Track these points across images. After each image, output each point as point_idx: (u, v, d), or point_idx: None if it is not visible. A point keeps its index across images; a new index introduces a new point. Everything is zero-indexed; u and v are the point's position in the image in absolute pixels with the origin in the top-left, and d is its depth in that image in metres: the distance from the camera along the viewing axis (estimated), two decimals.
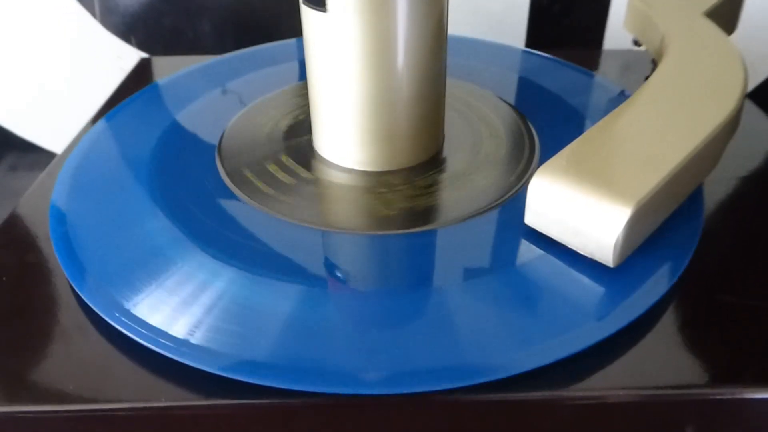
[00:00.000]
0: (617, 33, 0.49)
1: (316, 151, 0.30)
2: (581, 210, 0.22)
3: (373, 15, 0.25)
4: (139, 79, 0.41)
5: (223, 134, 0.31)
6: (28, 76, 0.53)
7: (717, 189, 0.28)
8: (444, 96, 0.29)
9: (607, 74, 0.40)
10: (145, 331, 0.21)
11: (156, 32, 0.51)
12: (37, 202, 0.29)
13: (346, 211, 0.26)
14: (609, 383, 0.20)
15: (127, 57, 0.52)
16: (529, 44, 0.50)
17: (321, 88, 0.27)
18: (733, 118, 0.25)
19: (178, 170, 0.29)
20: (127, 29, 0.51)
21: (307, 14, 0.26)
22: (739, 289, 0.23)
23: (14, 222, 0.28)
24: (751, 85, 0.50)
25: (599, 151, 0.24)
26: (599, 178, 0.23)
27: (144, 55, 0.52)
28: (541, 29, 0.49)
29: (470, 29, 0.47)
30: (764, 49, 0.48)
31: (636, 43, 0.36)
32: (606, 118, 0.26)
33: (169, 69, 0.42)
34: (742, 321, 0.22)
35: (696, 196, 0.26)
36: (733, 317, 0.22)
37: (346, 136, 0.28)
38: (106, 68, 0.52)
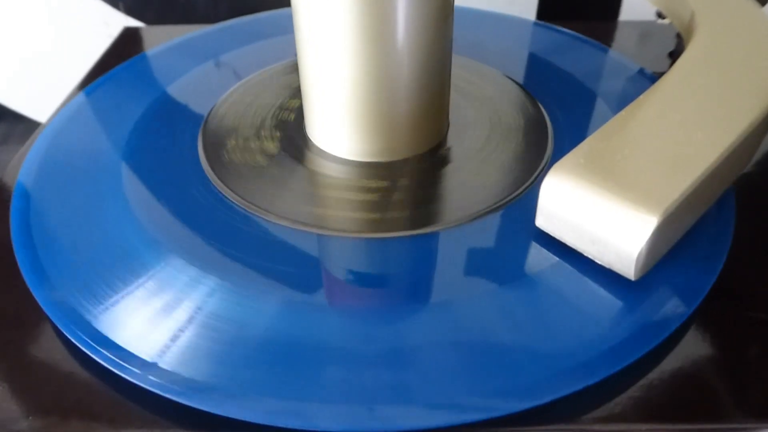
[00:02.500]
0: (635, 1, 0.46)
1: (308, 139, 0.27)
2: (600, 216, 0.20)
3: None
4: (121, 50, 0.38)
5: (207, 118, 0.29)
6: (12, 47, 0.51)
7: (748, 188, 0.25)
8: (449, 76, 0.27)
9: (625, 48, 0.37)
10: (109, 352, 0.19)
11: None
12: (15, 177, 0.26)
13: (339, 209, 0.24)
14: (626, 416, 0.18)
15: (114, 23, 0.49)
16: (540, 14, 0.47)
17: (311, 67, 0.25)
18: None
19: (157, 158, 0.26)
20: None
21: None
22: None
23: None
24: None
25: (621, 147, 0.21)
26: (622, 180, 0.20)
27: (132, 21, 0.49)
28: None
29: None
30: None
31: (660, 15, 0.33)
32: (628, 109, 0.23)
33: (153, 39, 0.40)
34: None
35: (726, 198, 0.24)
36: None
37: (339, 122, 0.25)
38: (93, 36, 0.50)
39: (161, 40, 0.38)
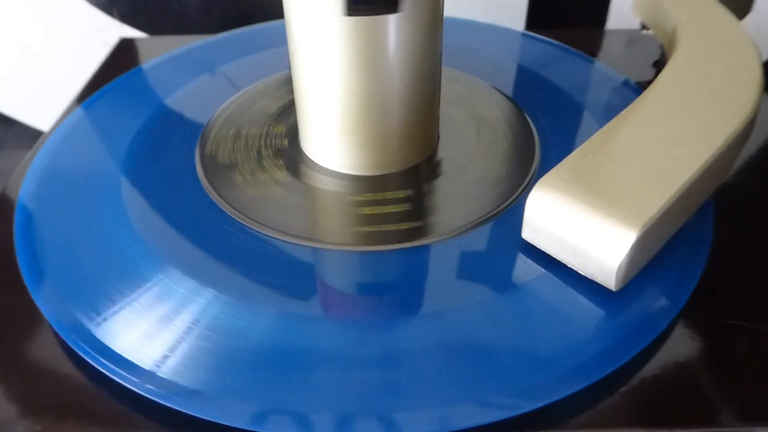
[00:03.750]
0: (623, 10, 0.47)
1: (303, 152, 0.28)
2: (583, 229, 0.21)
3: None
4: (118, 61, 0.39)
5: (203, 131, 0.29)
6: (6, 51, 0.51)
7: (726, 198, 0.26)
8: (439, 90, 0.27)
9: (611, 56, 0.38)
10: (109, 361, 0.20)
11: (139, 5, 0.48)
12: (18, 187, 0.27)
13: (333, 222, 0.24)
14: (611, 422, 0.19)
15: (109, 29, 0.50)
16: (529, 22, 0.48)
17: (304, 82, 0.25)
18: (749, 123, 0.24)
19: (155, 171, 0.27)
20: (108, 2, 0.48)
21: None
22: (752, 313, 0.22)
23: None
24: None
25: (604, 162, 0.22)
26: (603, 194, 0.21)
27: (127, 27, 0.49)
28: (543, 6, 0.47)
29: (468, 5, 0.45)
30: None
31: (644, 27, 0.34)
32: (611, 124, 0.24)
33: (149, 50, 0.40)
34: (758, 349, 0.21)
35: (705, 208, 0.24)
36: (747, 344, 0.21)
37: (332, 136, 0.26)
38: (87, 41, 0.50)
39: (158, 51, 0.39)
